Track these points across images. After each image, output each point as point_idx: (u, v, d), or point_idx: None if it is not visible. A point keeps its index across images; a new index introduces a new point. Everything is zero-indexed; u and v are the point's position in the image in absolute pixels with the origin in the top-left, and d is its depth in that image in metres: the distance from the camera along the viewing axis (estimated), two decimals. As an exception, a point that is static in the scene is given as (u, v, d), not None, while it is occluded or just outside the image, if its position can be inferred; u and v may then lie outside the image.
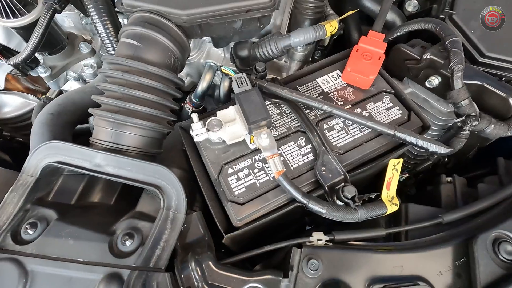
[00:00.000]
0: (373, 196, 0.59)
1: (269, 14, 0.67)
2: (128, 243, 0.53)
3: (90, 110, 0.61)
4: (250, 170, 0.62)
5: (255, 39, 0.85)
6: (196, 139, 0.59)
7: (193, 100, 0.93)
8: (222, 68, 0.69)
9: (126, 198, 0.67)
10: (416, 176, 0.88)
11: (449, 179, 0.70)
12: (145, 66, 0.60)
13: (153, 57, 0.62)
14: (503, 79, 0.72)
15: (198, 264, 0.51)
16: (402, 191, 0.90)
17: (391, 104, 0.70)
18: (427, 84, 0.69)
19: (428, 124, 0.68)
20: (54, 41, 0.86)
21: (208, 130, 0.61)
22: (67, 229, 0.53)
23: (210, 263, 0.52)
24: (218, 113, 0.65)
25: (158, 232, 0.54)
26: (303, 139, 0.65)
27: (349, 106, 0.70)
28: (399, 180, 0.90)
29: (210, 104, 1.07)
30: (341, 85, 0.73)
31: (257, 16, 0.66)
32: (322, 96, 0.71)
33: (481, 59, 0.69)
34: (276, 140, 0.65)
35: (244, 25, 0.70)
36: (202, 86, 0.90)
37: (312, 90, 0.72)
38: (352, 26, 0.95)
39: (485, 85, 0.61)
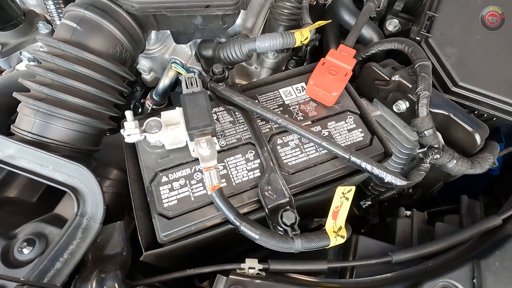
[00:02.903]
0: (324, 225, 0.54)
1: (232, 13, 0.61)
2: (26, 250, 0.46)
3: (14, 94, 0.55)
4: (187, 181, 0.55)
5: (223, 39, 0.80)
6: (127, 139, 0.53)
7: (154, 97, 0.86)
8: (173, 65, 0.64)
9: (55, 197, 0.60)
10: (380, 204, 0.82)
11: (408, 213, 0.65)
12: (80, 52, 0.54)
13: (95, 44, 0.56)
14: (476, 112, 0.68)
15: (99, 285, 0.44)
16: (364, 219, 0.84)
17: (354, 126, 0.65)
18: (394, 108, 0.64)
19: (390, 152, 0.62)
20: (6, 15, 0.79)
21: (145, 131, 0.54)
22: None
23: (115, 284, 0.45)
24: (163, 113, 0.59)
25: (64, 241, 0.47)
26: (252, 152, 0.59)
27: (309, 122, 0.65)
28: (361, 207, 0.86)
29: (178, 101, 1.01)
30: (304, 99, 0.67)
31: (219, 13, 0.61)
32: (281, 109, 0.65)
33: (454, 88, 0.65)
34: (222, 151, 0.59)
35: (206, 22, 0.64)
36: (164, 83, 0.84)
37: (272, 100, 0.67)
38: (331, 38, 0.91)
39: (452, 116, 0.57)
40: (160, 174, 0.55)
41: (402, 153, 0.69)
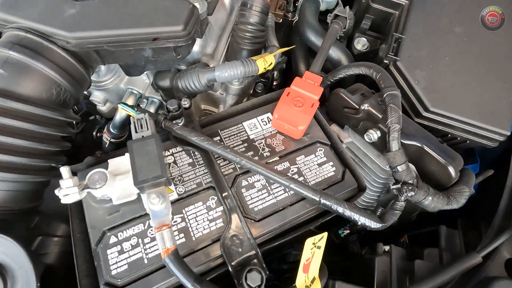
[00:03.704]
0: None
1: (184, 44, 0.55)
2: None
3: None
4: (140, 240, 0.49)
5: (182, 66, 0.74)
6: (63, 200, 0.46)
7: (111, 130, 0.79)
8: (119, 105, 0.57)
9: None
10: (359, 232, 0.79)
11: (387, 248, 0.61)
12: (5, 101, 0.46)
13: (24, 89, 0.49)
14: (449, 135, 0.65)
15: None
16: (346, 247, 0.80)
17: (325, 159, 0.60)
18: (366, 138, 0.60)
19: (363, 186, 0.58)
20: None
21: (87, 187, 0.48)
22: None
23: None
24: (110, 161, 0.52)
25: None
26: (214, 198, 0.54)
27: (276, 158, 0.60)
28: (340, 235, 0.82)
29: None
30: (271, 132, 0.62)
31: (170, 45, 0.55)
32: (245, 144, 0.60)
33: (425, 114, 0.62)
34: (181, 199, 0.53)
35: (157, 54, 0.58)
36: (120, 114, 0.77)
37: (235, 136, 0.61)
38: (300, 58, 0.87)
39: (425, 148, 0.53)
40: (108, 234, 0.49)
41: (377, 182, 0.66)
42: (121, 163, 0.52)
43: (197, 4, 0.59)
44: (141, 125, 0.53)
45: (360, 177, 0.59)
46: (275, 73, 0.83)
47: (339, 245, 0.85)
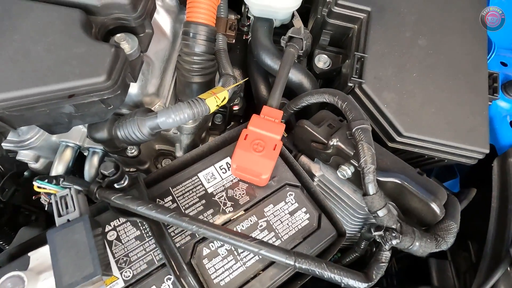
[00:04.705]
0: None
1: (111, 96, 0.46)
2: None
3: None
4: None
5: (123, 110, 0.64)
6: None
7: (50, 189, 0.67)
8: (35, 183, 0.46)
9: None
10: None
11: (376, 293, 0.54)
12: None
13: None
14: (425, 156, 0.60)
15: None
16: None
17: (297, 205, 0.53)
18: (339, 174, 0.54)
19: (343, 231, 0.52)
20: None
21: (-2, 299, 0.37)
22: None
23: None
24: (32, 255, 0.42)
25: None
26: (170, 279, 0.44)
27: (241, 212, 0.51)
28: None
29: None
30: (232, 181, 0.54)
31: (93, 99, 0.45)
32: (204, 201, 0.51)
33: (399, 139, 0.56)
34: (129, 286, 0.44)
35: (80, 110, 0.47)
36: (57, 170, 0.65)
37: (191, 192, 0.52)
38: (259, 81, 0.79)
39: (405, 184, 0.47)
40: None
41: (356, 217, 0.59)
42: (45, 255, 0.42)
43: (123, 44, 0.50)
44: (66, 205, 0.42)
45: (338, 221, 0.52)
46: (231, 104, 0.75)
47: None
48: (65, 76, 0.42)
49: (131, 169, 0.77)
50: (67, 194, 0.43)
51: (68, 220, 0.41)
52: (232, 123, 0.96)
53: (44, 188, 0.44)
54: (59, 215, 0.41)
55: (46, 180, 0.45)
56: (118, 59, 0.45)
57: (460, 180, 0.70)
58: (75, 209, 0.42)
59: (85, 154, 0.72)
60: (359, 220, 0.61)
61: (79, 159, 0.71)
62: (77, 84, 0.42)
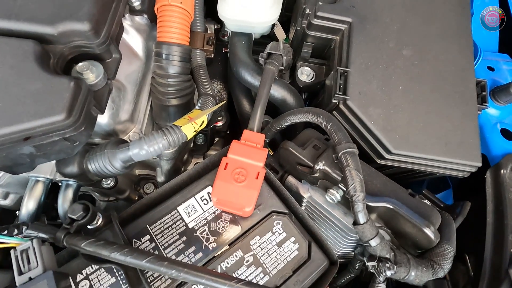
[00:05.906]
0: None
1: (75, 133, 0.42)
2: None
3: None
4: None
5: (96, 139, 0.60)
6: None
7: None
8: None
9: None
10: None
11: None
12: None
13: None
14: (416, 171, 0.58)
15: None
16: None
17: (284, 234, 0.49)
18: (327, 198, 0.51)
19: (335, 259, 0.49)
20: None
21: None
22: None
23: None
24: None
25: None
26: (150, 331, 0.41)
27: (226, 247, 0.48)
28: None
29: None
30: (214, 213, 0.50)
31: (54, 139, 0.41)
32: (184, 238, 0.48)
33: (388, 156, 0.54)
34: None
35: (42, 150, 0.43)
36: (27, 207, 0.60)
37: (170, 229, 0.48)
38: (241, 97, 0.76)
39: (397, 209, 0.45)
40: None
41: (349, 240, 0.57)
42: (7, 317, 0.38)
43: (87, 73, 0.46)
44: (27, 260, 0.38)
45: (329, 249, 0.49)
46: (214, 125, 0.71)
47: None
48: (18, 117, 0.38)
49: (110, 199, 0.72)
50: (29, 247, 0.39)
51: (30, 278, 0.37)
52: (216, 139, 0.92)
53: (3, 243, 0.40)
54: (20, 273, 0.37)
55: (6, 232, 0.41)
56: (79, 93, 0.41)
57: (453, 190, 0.68)
58: (37, 264, 0.38)
59: (59, 184, 0.67)
60: (352, 242, 0.58)
61: (54, 189, 0.66)
62: (33, 125, 0.38)
